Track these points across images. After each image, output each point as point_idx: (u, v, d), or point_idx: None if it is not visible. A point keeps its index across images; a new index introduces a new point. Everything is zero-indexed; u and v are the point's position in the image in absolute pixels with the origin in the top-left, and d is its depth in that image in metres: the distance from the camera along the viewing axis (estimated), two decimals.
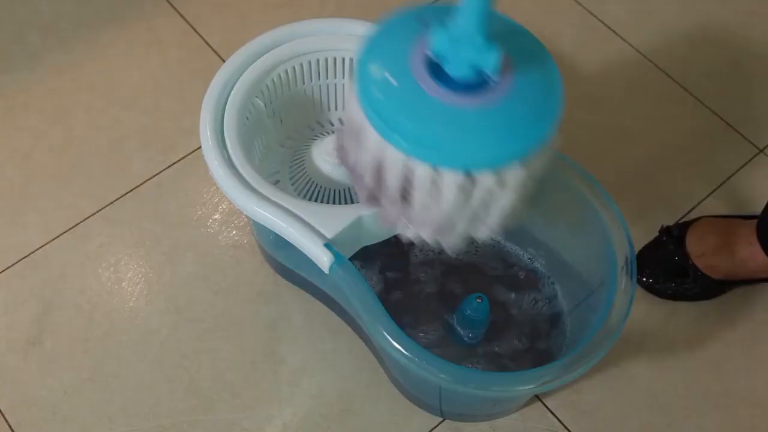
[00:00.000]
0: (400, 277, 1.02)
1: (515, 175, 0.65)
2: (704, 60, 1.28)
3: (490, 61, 0.61)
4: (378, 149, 0.65)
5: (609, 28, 1.30)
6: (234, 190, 0.80)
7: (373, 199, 0.73)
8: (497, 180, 0.65)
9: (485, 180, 0.65)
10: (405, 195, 0.68)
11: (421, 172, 0.64)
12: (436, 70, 0.64)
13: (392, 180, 0.67)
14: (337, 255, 0.76)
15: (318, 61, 0.92)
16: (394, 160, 0.65)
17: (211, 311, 1.02)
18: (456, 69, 0.63)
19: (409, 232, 0.74)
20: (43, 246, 1.06)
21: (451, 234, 0.73)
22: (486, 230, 0.72)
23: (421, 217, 0.70)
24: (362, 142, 0.67)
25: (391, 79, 0.64)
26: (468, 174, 0.64)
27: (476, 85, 0.64)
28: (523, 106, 0.65)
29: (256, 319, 1.02)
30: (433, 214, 0.69)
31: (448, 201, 0.66)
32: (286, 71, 0.91)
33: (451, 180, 0.64)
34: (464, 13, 0.60)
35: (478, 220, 0.70)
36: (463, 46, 0.62)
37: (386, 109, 0.63)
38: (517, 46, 0.68)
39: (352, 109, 0.67)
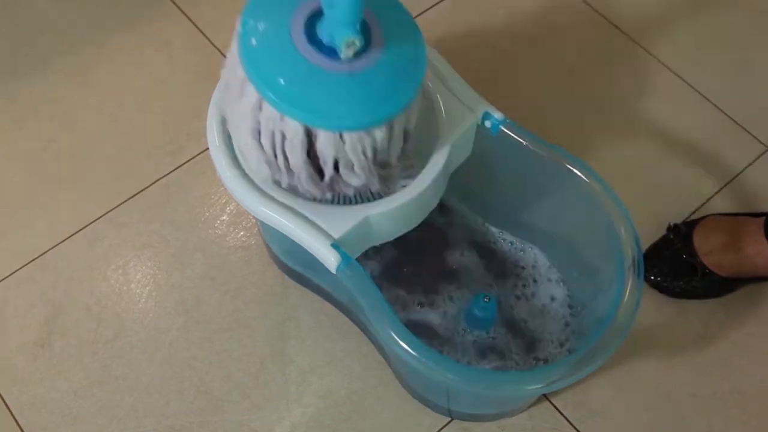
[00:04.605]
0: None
1: (380, 134, 0.72)
2: (711, 57, 1.28)
3: (340, 44, 0.67)
4: (254, 107, 0.71)
5: (613, 24, 1.30)
6: (241, 190, 0.80)
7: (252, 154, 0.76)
8: (365, 137, 0.71)
9: (354, 137, 0.71)
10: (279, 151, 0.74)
11: (293, 129, 0.70)
12: (313, 34, 0.70)
13: (268, 137, 0.72)
14: (344, 255, 0.76)
15: None
16: (270, 118, 0.70)
17: (219, 312, 1.03)
18: (327, 39, 0.69)
19: (283, 182, 0.78)
20: (52, 248, 1.07)
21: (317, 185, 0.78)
22: (357, 180, 0.76)
23: (296, 170, 0.75)
24: (243, 98, 0.72)
25: (270, 39, 0.69)
26: (338, 133, 0.70)
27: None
28: (388, 74, 0.71)
29: (265, 320, 1.02)
30: (302, 166, 0.74)
31: (324, 155, 0.72)
32: None
33: (323, 136, 0.70)
34: (339, 3, 0.66)
35: (349, 170, 0.75)
36: (332, 20, 0.68)
37: (265, 70, 0.69)
38: (393, 21, 0.74)
39: (235, 67, 0.71)
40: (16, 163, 1.14)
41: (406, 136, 0.78)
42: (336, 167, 0.74)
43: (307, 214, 0.79)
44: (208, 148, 0.84)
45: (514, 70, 1.26)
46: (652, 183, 1.15)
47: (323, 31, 0.69)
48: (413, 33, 0.75)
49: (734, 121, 1.20)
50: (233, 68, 0.72)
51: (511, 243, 1.04)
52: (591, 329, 0.89)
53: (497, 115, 0.85)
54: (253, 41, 0.69)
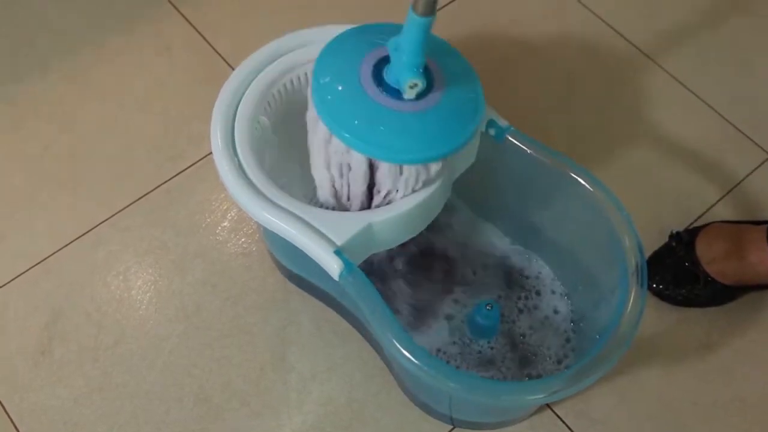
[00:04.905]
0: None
1: (435, 168, 0.78)
2: (713, 63, 1.28)
3: (404, 85, 0.74)
4: (325, 141, 0.78)
5: (614, 29, 1.30)
6: (244, 196, 0.80)
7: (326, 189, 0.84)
8: (421, 170, 0.78)
9: (412, 170, 0.77)
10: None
11: (358, 161, 0.77)
12: (381, 77, 0.76)
13: (336, 168, 0.79)
14: (346, 262, 0.76)
15: None
16: (337, 151, 0.77)
17: (220, 319, 1.02)
18: (392, 81, 0.75)
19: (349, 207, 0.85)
20: (53, 254, 1.06)
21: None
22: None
23: (353, 198, 0.82)
24: (315, 134, 0.79)
25: (340, 83, 0.76)
26: (399, 165, 0.77)
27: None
28: (446, 115, 0.77)
29: (266, 327, 1.02)
30: (360, 195, 0.82)
31: (381, 184, 0.79)
32: (298, 78, 0.90)
33: (385, 168, 0.77)
34: (404, 42, 0.73)
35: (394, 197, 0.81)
36: (397, 64, 0.74)
37: (334, 107, 0.75)
38: (452, 66, 0.80)
39: (310, 106, 0.78)
40: (17, 165, 1.14)
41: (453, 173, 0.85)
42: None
43: (310, 221, 0.79)
44: (209, 153, 0.84)
45: (517, 75, 1.25)
46: (654, 189, 1.15)
47: (390, 75, 0.75)
48: (472, 80, 0.81)
49: (736, 128, 1.20)
50: (309, 108, 0.79)
51: (516, 250, 1.04)
52: (593, 340, 0.88)
53: (502, 122, 0.85)
54: (325, 83, 0.76)
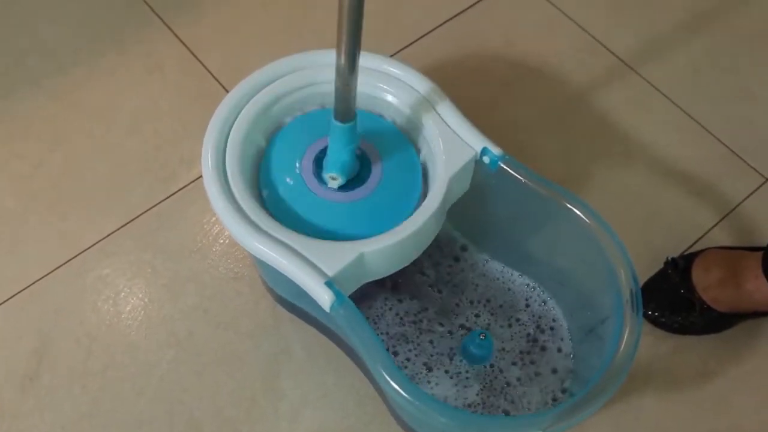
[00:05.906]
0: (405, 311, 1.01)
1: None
2: (709, 86, 1.27)
3: (325, 176, 0.83)
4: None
5: (612, 53, 1.29)
6: (234, 225, 0.79)
7: None
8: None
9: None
10: None
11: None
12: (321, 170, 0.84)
13: None
14: (338, 294, 0.75)
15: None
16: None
17: (211, 345, 1.01)
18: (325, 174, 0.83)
19: None
20: (42, 278, 1.05)
21: None
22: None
23: None
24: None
25: (286, 160, 0.85)
26: None
27: (350, 185, 0.83)
28: (385, 201, 0.84)
29: (257, 353, 1.01)
30: None
31: None
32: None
33: None
34: (329, 140, 0.81)
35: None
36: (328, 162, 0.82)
37: (270, 177, 0.84)
38: (387, 143, 0.87)
39: None
40: (6, 187, 1.13)
41: None
42: None
43: (301, 250, 0.78)
44: (200, 176, 0.83)
45: (511, 97, 1.25)
46: (650, 214, 1.14)
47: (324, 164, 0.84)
48: (411, 183, 0.86)
49: (733, 151, 1.20)
50: None
51: (510, 277, 1.03)
52: (588, 369, 0.87)
53: (496, 150, 0.84)
54: (276, 156, 0.86)
